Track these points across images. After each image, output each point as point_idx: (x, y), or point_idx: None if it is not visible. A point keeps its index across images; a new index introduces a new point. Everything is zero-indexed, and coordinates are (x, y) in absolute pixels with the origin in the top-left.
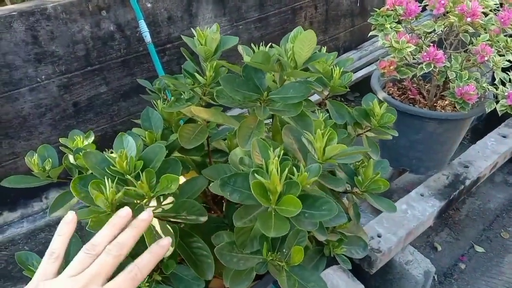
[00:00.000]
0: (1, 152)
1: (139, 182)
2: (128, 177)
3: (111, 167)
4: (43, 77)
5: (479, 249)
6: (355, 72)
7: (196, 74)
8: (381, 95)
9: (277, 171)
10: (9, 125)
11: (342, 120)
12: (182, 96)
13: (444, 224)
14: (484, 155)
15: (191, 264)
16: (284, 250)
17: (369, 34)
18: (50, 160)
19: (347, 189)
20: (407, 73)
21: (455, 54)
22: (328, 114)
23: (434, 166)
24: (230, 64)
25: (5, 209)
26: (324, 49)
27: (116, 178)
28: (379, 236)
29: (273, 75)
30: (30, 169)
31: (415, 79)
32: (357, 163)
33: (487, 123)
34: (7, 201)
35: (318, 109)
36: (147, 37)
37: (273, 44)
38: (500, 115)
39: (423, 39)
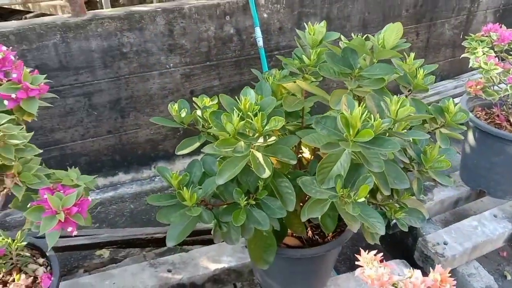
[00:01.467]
0: (128, 121)
1: (256, 118)
2: (249, 113)
3: (238, 106)
4: (171, 65)
5: None
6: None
7: (304, 56)
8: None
9: (359, 113)
10: (138, 100)
11: (421, 113)
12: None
13: None
14: None
15: (278, 196)
16: (353, 190)
17: (461, 56)
18: (185, 109)
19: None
20: (493, 94)
21: None
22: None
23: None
24: (332, 46)
25: (121, 170)
26: (412, 55)
27: (240, 113)
28: (445, 243)
29: (365, 60)
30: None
31: (504, 106)
32: (426, 146)
33: None
34: (124, 164)
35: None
36: (260, 42)
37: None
38: None
39: None
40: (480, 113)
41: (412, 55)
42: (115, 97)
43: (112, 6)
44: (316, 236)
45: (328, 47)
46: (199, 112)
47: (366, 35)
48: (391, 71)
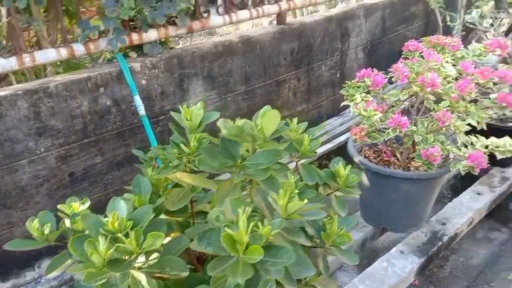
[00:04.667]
0: None
1: (128, 239)
2: (119, 235)
3: (104, 227)
4: (42, 149)
5: None
6: (338, 137)
7: (182, 145)
8: (357, 158)
9: (244, 225)
10: (8, 196)
11: (313, 181)
12: (170, 164)
13: (429, 281)
14: (460, 212)
15: None
16: None
17: (341, 104)
18: (49, 224)
19: (316, 243)
20: (377, 138)
21: (421, 119)
22: (300, 176)
23: (412, 224)
24: (210, 137)
25: None
26: (295, 121)
27: (109, 236)
28: None
29: (248, 144)
30: (28, 235)
31: (389, 142)
32: (325, 219)
33: (463, 182)
34: (0, 271)
35: (290, 172)
36: (141, 111)
37: (246, 119)
38: (463, 174)
39: (394, 106)
40: (368, 152)
41: (295, 120)
42: None
43: None
44: None
45: (205, 137)
46: (68, 223)
47: (244, 119)
48: (275, 158)
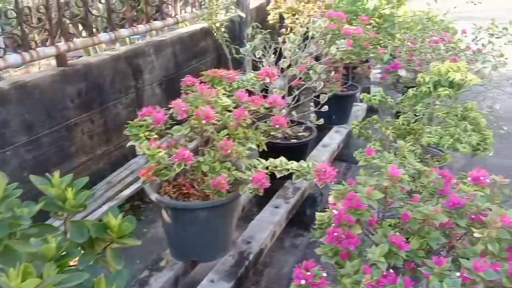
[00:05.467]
0: None
1: None
2: None
3: None
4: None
5: None
6: None
7: None
8: (153, 196)
9: None
10: None
11: (83, 238)
12: None
13: None
14: (263, 228)
15: None
16: None
17: (127, 145)
18: None
19: None
20: (167, 174)
21: (207, 149)
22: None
23: (220, 250)
24: None
25: None
26: (56, 175)
27: None
28: None
29: None
30: None
31: (187, 174)
32: (94, 280)
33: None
34: None
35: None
36: None
37: None
38: (252, 195)
39: (183, 141)
40: (168, 187)
41: (57, 174)
42: None
43: None
44: None
45: None
46: None
47: None
48: (7, 230)
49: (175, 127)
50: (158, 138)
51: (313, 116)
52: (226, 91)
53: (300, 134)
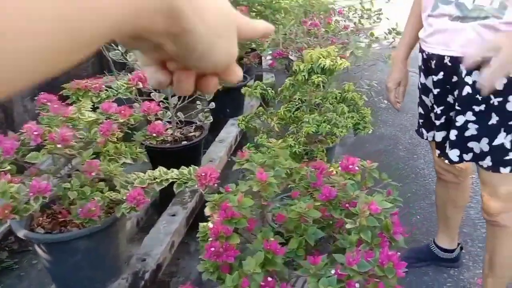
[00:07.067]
0: None
1: None
2: None
3: None
4: None
5: None
6: None
7: None
8: (21, 233)
9: None
10: None
11: None
12: None
13: None
14: (159, 240)
15: None
16: None
17: None
18: None
19: None
20: (28, 210)
21: (76, 172)
22: None
23: (110, 276)
24: None
25: None
26: None
27: None
28: None
29: None
30: None
31: (65, 201)
32: None
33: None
34: None
35: None
36: None
37: None
38: (128, 217)
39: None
40: (41, 218)
41: None
42: None
43: None
44: None
45: None
46: None
47: None
48: None
49: (31, 154)
50: (14, 169)
51: (200, 115)
52: (94, 103)
53: (190, 134)
